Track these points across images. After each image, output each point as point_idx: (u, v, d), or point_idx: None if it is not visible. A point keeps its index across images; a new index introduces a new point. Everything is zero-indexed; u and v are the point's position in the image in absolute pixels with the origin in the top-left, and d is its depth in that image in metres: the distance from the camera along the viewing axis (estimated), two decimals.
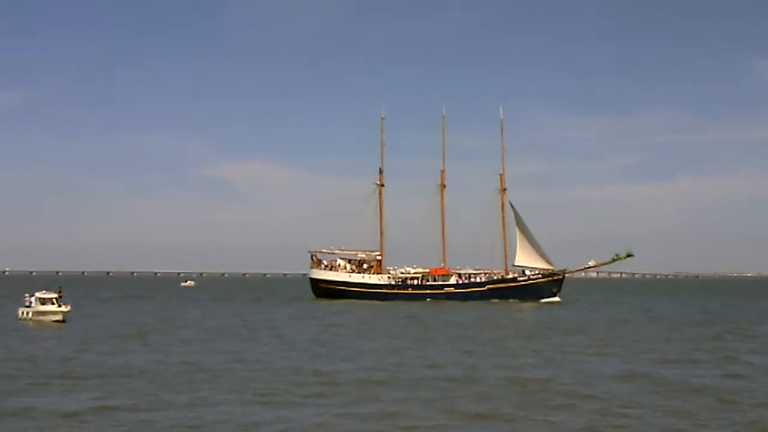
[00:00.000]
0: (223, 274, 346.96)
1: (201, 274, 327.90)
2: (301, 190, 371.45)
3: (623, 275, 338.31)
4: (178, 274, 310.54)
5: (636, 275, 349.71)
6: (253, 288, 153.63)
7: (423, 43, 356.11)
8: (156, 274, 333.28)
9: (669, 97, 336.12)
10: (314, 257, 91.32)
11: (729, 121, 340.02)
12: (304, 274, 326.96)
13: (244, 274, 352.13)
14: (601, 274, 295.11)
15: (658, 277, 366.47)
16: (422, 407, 22.07)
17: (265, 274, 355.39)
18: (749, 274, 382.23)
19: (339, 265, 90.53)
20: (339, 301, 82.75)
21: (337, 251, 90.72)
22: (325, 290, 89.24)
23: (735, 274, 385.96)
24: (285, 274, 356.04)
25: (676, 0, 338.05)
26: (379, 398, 23.41)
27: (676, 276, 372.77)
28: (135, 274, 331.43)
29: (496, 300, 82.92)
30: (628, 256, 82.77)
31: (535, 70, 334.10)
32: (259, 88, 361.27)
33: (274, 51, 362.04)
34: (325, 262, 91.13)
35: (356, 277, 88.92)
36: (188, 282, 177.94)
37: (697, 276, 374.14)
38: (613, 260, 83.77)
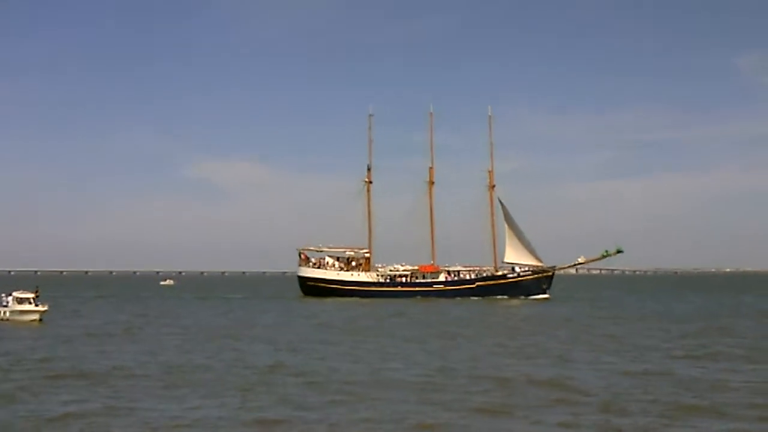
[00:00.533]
0: (202, 273, 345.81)
1: (180, 272, 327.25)
2: (282, 189, 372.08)
3: (602, 272, 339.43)
4: (157, 273, 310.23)
5: (615, 271, 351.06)
6: (235, 286, 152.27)
7: (406, 43, 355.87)
8: (135, 273, 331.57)
9: (648, 94, 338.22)
10: (302, 255, 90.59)
11: (708, 117, 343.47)
12: (284, 272, 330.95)
13: (223, 273, 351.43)
14: (581, 271, 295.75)
15: (637, 273, 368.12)
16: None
17: (244, 273, 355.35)
18: (727, 270, 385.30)
19: (327, 262, 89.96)
20: (327, 299, 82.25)
21: (326, 249, 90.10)
22: (313, 288, 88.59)
23: (713, 270, 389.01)
24: (264, 272, 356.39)
25: None
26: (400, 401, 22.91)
27: (655, 272, 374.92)
28: (114, 273, 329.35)
29: (486, 297, 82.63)
30: (618, 252, 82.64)
31: (516, 68, 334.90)
32: (243, 88, 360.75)
33: (259, 51, 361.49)
34: (313, 260, 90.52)
35: (345, 275, 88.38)
36: (167, 281, 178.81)
37: (676, 272, 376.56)
38: (603, 256, 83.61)
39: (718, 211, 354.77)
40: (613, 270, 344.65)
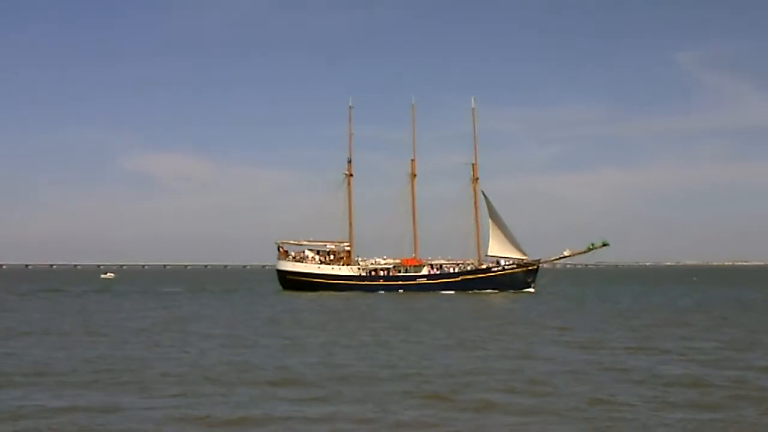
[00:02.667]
0: (143, 266, 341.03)
1: (121, 266, 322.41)
2: (223, 182, 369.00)
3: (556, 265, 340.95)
4: (98, 266, 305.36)
5: (557, 265, 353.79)
6: (181, 280, 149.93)
7: (353, 33, 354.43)
8: (76, 266, 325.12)
9: (587, 88, 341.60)
10: (281, 248, 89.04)
11: (650, 112, 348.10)
12: (226, 266, 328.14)
13: (164, 266, 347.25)
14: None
15: (578, 266, 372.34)
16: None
17: (186, 266, 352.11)
18: (667, 263, 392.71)
19: (307, 256, 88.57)
20: (308, 293, 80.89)
21: (305, 242, 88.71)
22: (292, 282, 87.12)
23: (648, 264, 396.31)
24: (206, 266, 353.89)
25: None
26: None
27: (597, 265, 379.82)
28: (54, 266, 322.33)
29: (471, 291, 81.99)
30: (604, 245, 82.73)
31: (459, 61, 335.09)
32: (185, 80, 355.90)
33: (200, 42, 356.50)
34: (293, 254, 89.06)
35: (325, 269, 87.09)
36: (108, 274, 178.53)
37: (617, 265, 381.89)
38: (589, 249, 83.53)
39: (657, 206, 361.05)
40: (554, 264, 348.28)
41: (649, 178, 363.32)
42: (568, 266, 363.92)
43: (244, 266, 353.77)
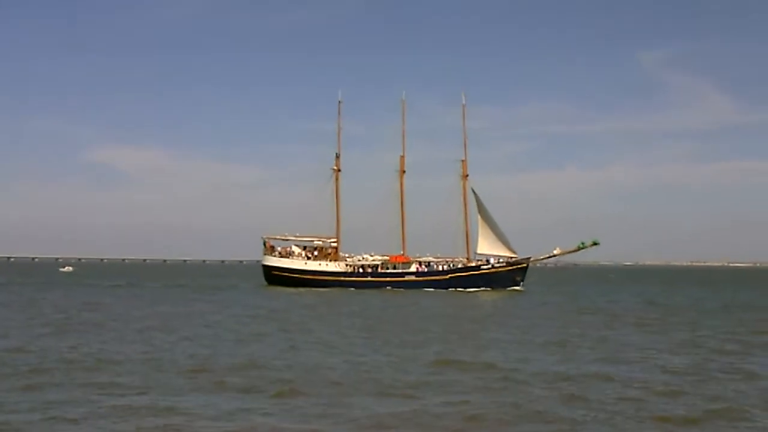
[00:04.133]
0: (102, 260, 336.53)
1: (80, 259, 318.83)
2: (185, 175, 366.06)
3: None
4: (57, 259, 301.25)
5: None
6: (143, 274, 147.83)
7: (320, 29, 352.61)
8: (34, 259, 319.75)
9: (555, 88, 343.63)
10: (267, 244, 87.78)
11: (614, 112, 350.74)
12: (185, 260, 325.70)
13: (123, 260, 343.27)
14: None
15: (538, 265, 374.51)
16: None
17: (144, 260, 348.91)
18: (626, 263, 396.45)
19: (294, 252, 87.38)
20: (294, 289, 79.82)
21: (292, 238, 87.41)
22: (278, 278, 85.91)
23: (607, 263, 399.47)
24: (165, 261, 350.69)
25: None
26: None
27: (555, 264, 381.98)
28: (12, 259, 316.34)
29: (459, 289, 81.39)
30: (594, 244, 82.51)
31: (423, 58, 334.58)
32: (150, 74, 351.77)
33: (168, 35, 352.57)
34: (279, 249, 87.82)
35: (312, 265, 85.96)
36: (67, 267, 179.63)
37: (575, 264, 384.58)
38: (579, 248, 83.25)
39: (617, 206, 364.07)
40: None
41: (611, 177, 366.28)
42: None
43: (204, 261, 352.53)
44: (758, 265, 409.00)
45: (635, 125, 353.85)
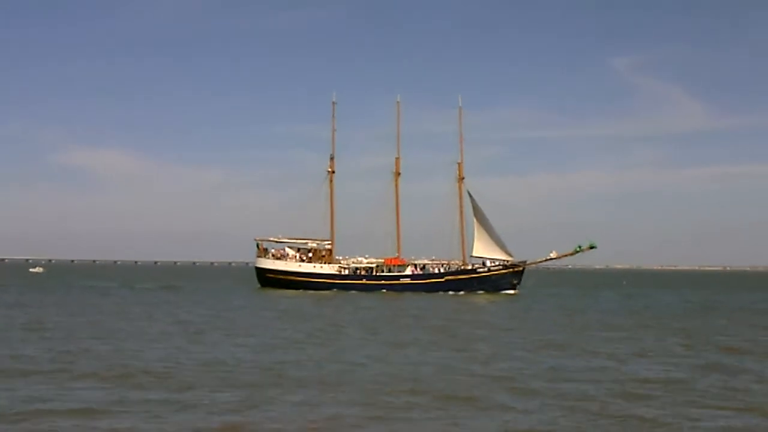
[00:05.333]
0: (72, 261, 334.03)
1: (50, 260, 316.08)
2: (155, 179, 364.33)
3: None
4: (27, 260, 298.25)
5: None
6: (126, 276, 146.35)
7: (303, 32, 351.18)
8: (4, 260, 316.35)
9: (526, 93, 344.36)
10: (260, 246, 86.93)
11: (585, 117, 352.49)
12: (156, 262, 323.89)
13: (94, 261, 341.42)
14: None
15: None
16: None
17: (115, 262, 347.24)
18: (597, 267, 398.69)
19: (288, 254, 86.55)
20: (290, 292, 79.13)
21: (286, 240, 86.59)
22: (272, 280, 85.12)
23: (569, 266, 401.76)
24: (136, 262, 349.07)
25: None
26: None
27: (538, 268, 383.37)
28: None
29: (455, 292, 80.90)
30: (591, 248, 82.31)
31: (392, 62, 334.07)
32: (122, 78, 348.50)
33: (140, 39, 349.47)
34: (273, 251, 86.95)
35: (307, 267, 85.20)
36: (37, 268, 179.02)
37: (548, 268, 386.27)
38: (576, 252, 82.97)
39: (588, 211, 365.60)
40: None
41: (582, 182, 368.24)
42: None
43: (175, 262, 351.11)
44: (728, 269, 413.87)
45: (606, 131, 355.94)
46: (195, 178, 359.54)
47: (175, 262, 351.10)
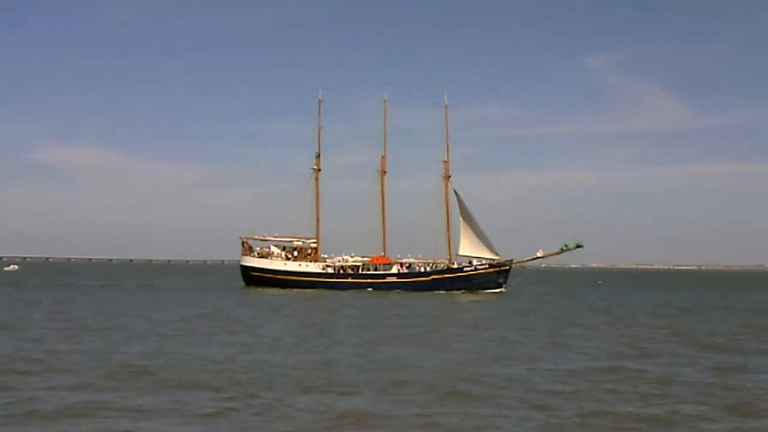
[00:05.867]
0: (47, 259, 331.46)
1: (24, 258, 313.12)
2: (132, 176, 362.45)
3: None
4: (1, 258, 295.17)
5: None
6: (107, 273, 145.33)
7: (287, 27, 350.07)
8: None
9: (501, 91, 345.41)
10: (245, 244, 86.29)
11: (560, 115, 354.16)
12: (131, 260, 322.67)
13: (69, 259, 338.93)
14: None
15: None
16: None
17: (90, 259, 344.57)
18: (573, 266, 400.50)
19: (273, 252, 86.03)
20: (274, 290, 78.59)
21: (271, 238, 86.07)
22: (257, 278, 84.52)
23: (543, 266, 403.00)
24: (110, 260, 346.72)
25: None
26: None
27: (523, 268, 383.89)
28: None
29: (441, 291, 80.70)
30: (578, 247, 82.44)
31: (369, 59, 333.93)
32: (97, 76, 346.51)
33: (113, 35, 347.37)
34: (258, 249, 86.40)
35: (292, 265, 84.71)
36: (11, 266, 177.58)
37: (522, 267, 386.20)
38: (562, 251, 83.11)
39: (563, 209, 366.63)
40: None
41: (558, 181, 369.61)
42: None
43: (149, 261, 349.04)
44: (703, 268, 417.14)
45: (582, 129, 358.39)
46: (173, 175, 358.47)
47: (150, 261, 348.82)
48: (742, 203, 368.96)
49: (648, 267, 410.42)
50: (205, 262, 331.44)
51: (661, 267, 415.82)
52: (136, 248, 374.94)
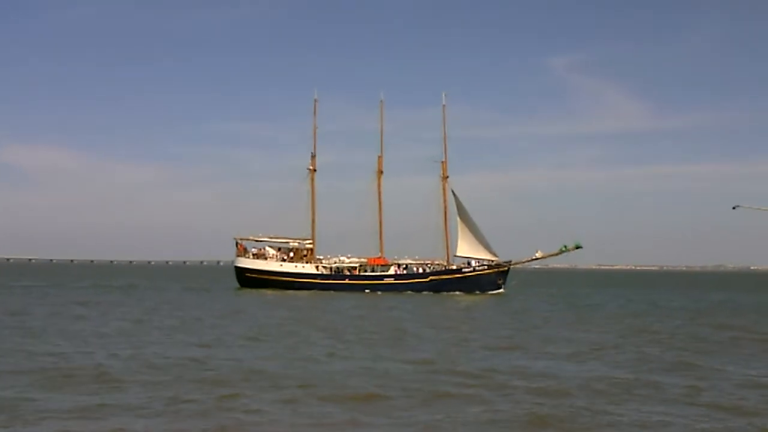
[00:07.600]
0: (8, 260, 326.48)
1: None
2: (94, 177, 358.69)
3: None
4: None
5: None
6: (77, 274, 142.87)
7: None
8: None
9: (465, 92, 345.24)
10: (240, 245, 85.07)
11: (524, 116, 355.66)
12: (92, 261, 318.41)
13: (30, 260, 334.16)
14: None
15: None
16: None
17: (51, 260, 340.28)
18: (535, 267, 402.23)
19: (268, 253, 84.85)
20: (269, 292, 77.62)
21: (266, 239, 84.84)
22: (252, 279, 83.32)
23: (518, 267, 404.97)
24: (72, 260, 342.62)
25: None
26: None
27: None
28: None
29: (440, 292, 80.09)
30: (577, 248, 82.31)
31: (335, 59, 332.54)
32: (59, 74, 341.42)
33: (80, 35, 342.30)
34: (254, 250, 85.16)
35: (288, 267, 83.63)
36: None
37: None
38: (561, 252, 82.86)
39: (528, 210, 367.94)
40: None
41: (522, 182, 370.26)
42: None
43: (111, 261, 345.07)
44: (664, 268, 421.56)
45: (544, 130, 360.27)
46: (143, 175, 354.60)
47: (111, 261, 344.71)
48: (704, 204, 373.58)
49: (609, 268, 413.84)
50: (201, 263, 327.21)
51: (622, 267, 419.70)
52: (97, 249, 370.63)
